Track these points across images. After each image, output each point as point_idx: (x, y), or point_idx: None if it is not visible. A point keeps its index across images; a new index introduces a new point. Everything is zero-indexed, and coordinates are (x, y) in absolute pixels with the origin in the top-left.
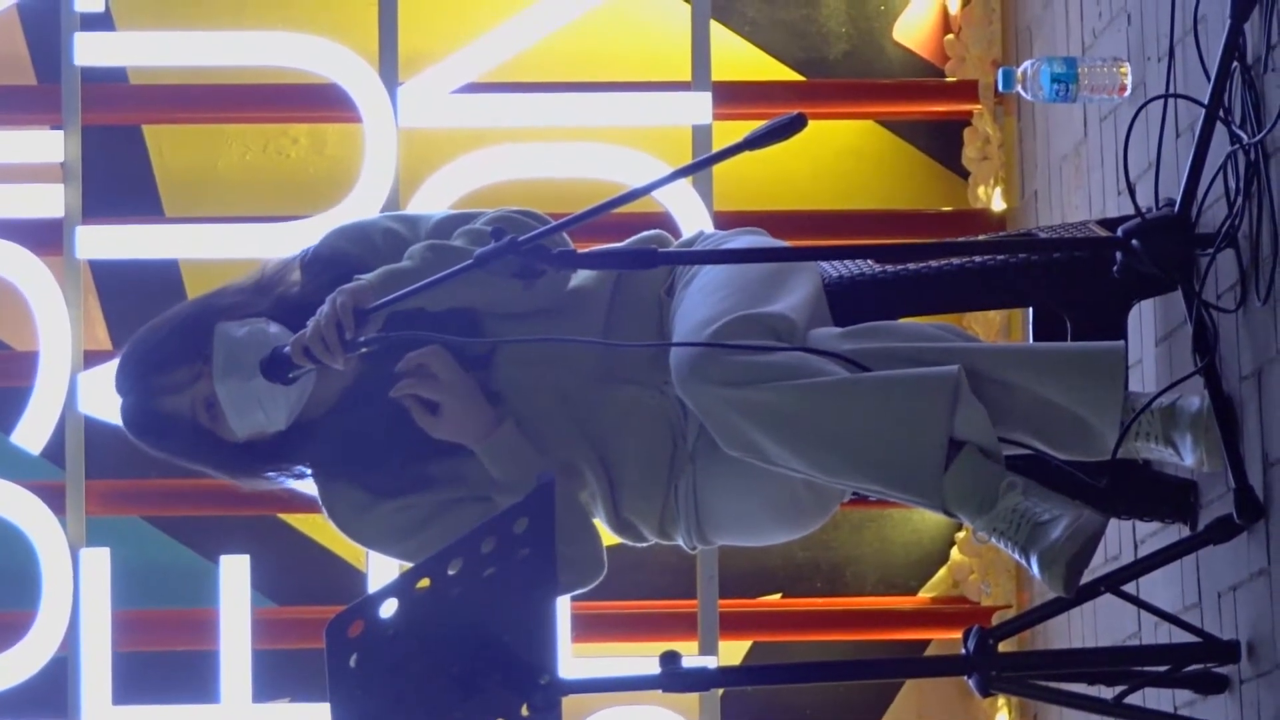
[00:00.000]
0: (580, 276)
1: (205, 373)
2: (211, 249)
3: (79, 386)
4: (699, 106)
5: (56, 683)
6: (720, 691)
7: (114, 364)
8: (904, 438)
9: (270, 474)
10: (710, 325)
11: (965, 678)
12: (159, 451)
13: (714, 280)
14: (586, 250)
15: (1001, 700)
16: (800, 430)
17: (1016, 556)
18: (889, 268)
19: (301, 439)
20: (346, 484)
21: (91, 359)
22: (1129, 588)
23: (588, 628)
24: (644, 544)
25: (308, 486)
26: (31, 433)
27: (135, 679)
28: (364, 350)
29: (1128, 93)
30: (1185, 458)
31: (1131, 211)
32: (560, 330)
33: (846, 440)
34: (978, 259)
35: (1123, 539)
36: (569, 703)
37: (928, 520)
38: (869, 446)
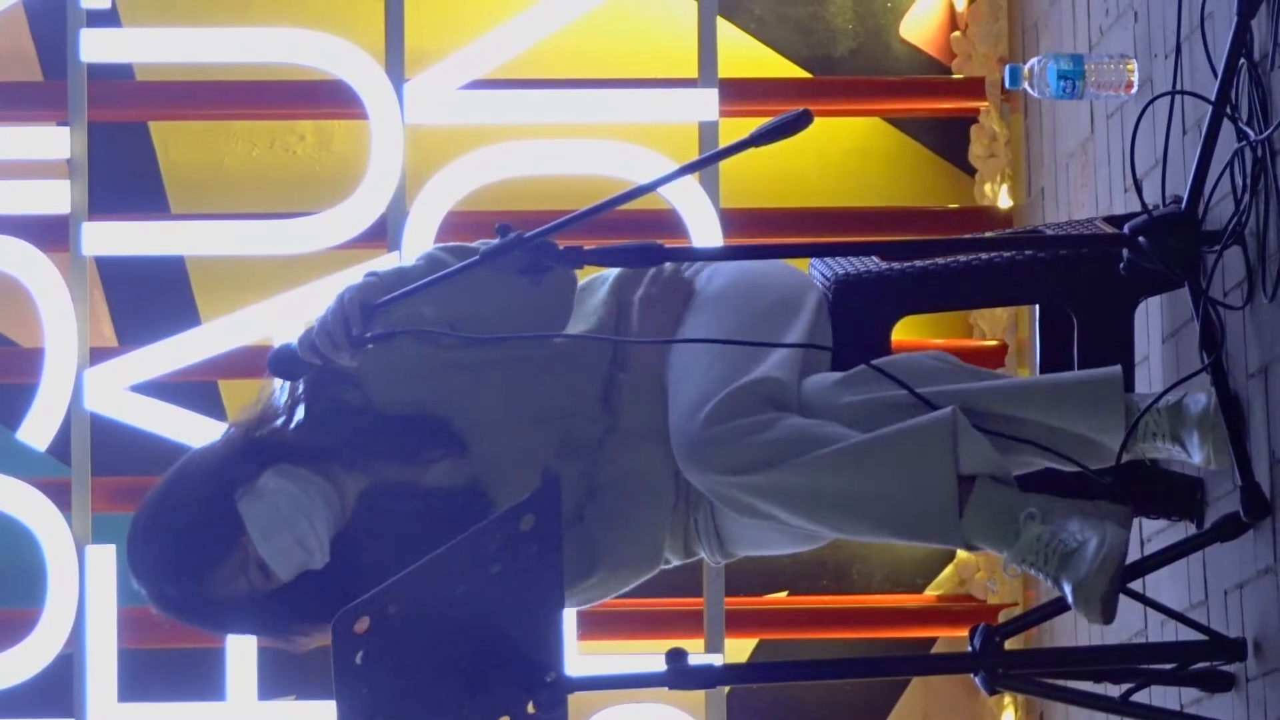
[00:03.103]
0: (582, 323)
1: (248, 544)
2: (217, 245)
3: (85, 383)
4: (705, 103)
5: (62, 680)
6: (726, 689)
7: (130, 558)
8: (915, 492)
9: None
10: (703, 407)
11: (971, 675)
12: (218, 632)
13: (706, 330)
14: (592, 247)
15: (1008, 698)
16: (814, 503)
17: (1050, 585)
18: (895, 265)
19: (343, 571)
20: None
21: (97, 355)
22: (1135, 585)
23: (593, 625)
24: (668, 566)
25: None
26: (37, 429)
27: (141, 676)
28: (370, 346)
29: (1134, 90)
30: (1193, 455)
31: (1138, 209)
32: (562, 384)
33: (859, 505)
34: (984, 256)
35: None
36: (575, 700)
37: None
38: (884, 507)
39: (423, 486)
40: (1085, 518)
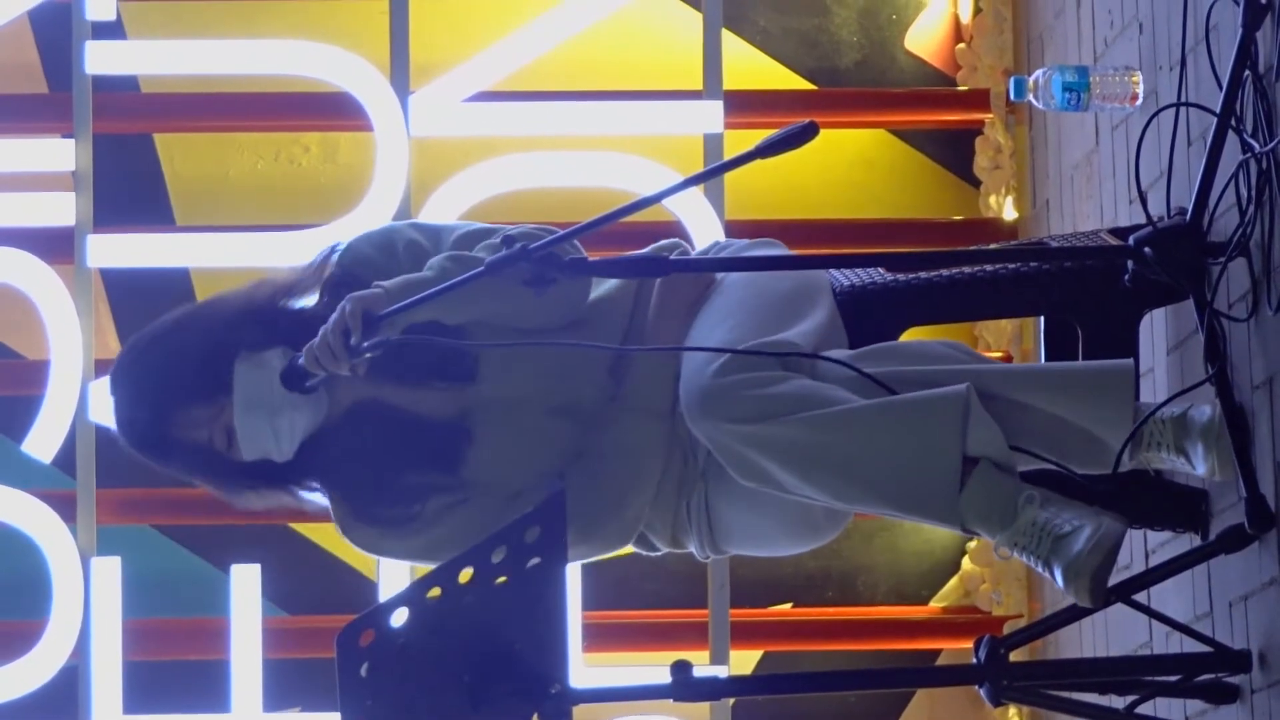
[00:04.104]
0: (601, 289)
1: (227, 405)
2: (223, 257)
3: (90, 395)
4: (710, 115)
5: (67, 692)
6: (731, 701)
7: (117, 367)
8: (918, 462)
9: (270, 491)
10: (718, 358)
11: (977, 687)
12: (158, 466)
13: (727, 307)
14: (599, 258)
15: (1013, 710)
16: (814, 462)
17: (1040, 570)
18: (900, 276)
19: (303, 459)
20: (352, 506)
21: (102, 367)
22: (1140, 597)
23: (599, 637)
24: (655, 553)
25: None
26: (42, 441)
27: (146, 688)
28: (368, 356)
29: (1139, 101)
30: (1197, 467)
31: (1143, 220)
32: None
33: (861, 468)
34: (989, 268)
35: (1134, 548)
36: (580, 712)
37: (939, 530)
38: (883, 473)
39: (409, 410)
40: (1083, 510)
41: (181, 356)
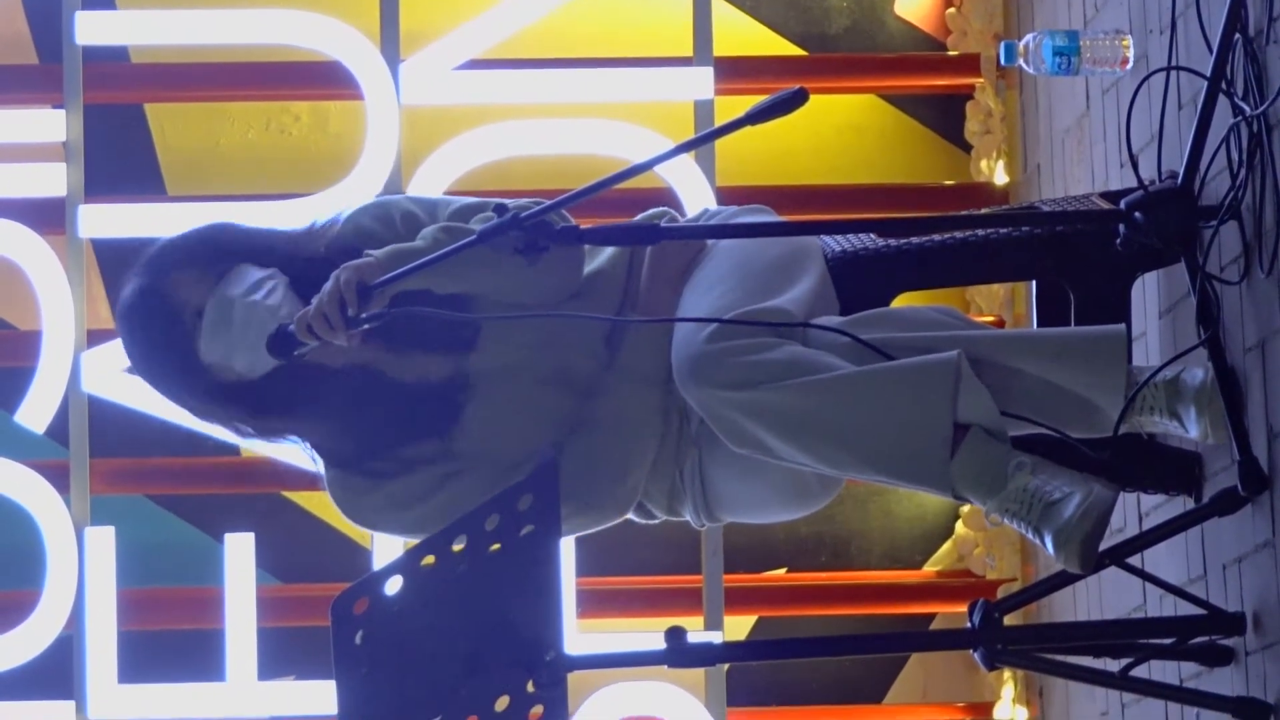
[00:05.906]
0: (596, 261)
1: (209, 281)
2: None
3: (82, 365)
4: (701, 82)
5: (62, 662)
6: (725, 666)
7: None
8: (908, 429)
9: (242, 423)
10: (709, 325)
11: (971, 651)
12: (136, 354)
13: (718, 272)
14: (590, 226)
15: (1007, 673)
16: (805, 428)
17: (1030, 536)
18: (892, 242)
19: (294, 425)
20: (345, 471)
21: (94, 338)
22: (1134, 560)
23: (593, 603)
24: (654, 521)
25: (293, 458)
26: (35, 412)
27: (141, 657)
28: (366, 327)
29: (1130, 65)
30: (1190, 430)
31: (1134, 184)
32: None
33: (851, 435)
34: (980, 232)
35: (1127, 512)
36: (574, 678)
37: (932, 495)
38: (874, 440)
39: (403, 378)
40: (1074, 477)
41: (194, 242)
